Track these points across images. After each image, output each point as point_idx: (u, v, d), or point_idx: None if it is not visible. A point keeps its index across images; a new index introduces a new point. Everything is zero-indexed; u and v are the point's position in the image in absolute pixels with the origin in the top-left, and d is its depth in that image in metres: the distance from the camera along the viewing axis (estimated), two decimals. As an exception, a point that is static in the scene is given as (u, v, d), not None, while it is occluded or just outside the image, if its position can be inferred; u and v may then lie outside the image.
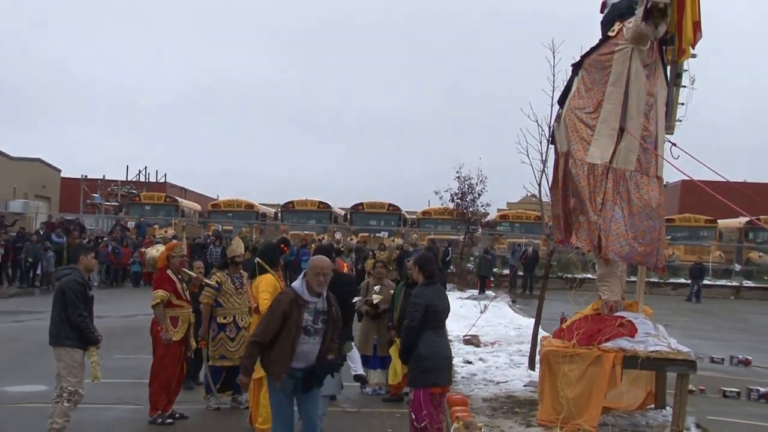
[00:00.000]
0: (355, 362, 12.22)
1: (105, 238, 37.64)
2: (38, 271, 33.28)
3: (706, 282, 39.86)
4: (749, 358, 18.38)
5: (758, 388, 14.05)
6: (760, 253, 46.06)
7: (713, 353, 18.51)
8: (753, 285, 42.49)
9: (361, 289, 13.36)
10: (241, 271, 12.02)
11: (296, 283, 8.03)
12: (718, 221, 47.38)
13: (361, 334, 13.23)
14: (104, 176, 70.83)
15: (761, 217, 38.97)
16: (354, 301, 11.69)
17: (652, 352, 10.03)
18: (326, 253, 11.09)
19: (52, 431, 9.35)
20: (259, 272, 10.41)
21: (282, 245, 11.82)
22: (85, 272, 9.91)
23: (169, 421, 10.92)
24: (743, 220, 43.79)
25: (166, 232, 43.48)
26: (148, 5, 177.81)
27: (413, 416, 8.52)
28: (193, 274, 12.10)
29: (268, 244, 12.90)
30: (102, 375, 9.83)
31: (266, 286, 10.04)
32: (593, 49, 10.98)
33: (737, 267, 44.49)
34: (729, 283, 42.67)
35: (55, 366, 9.69)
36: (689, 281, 38.90)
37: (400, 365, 11.40)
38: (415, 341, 8.48)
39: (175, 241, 13.78)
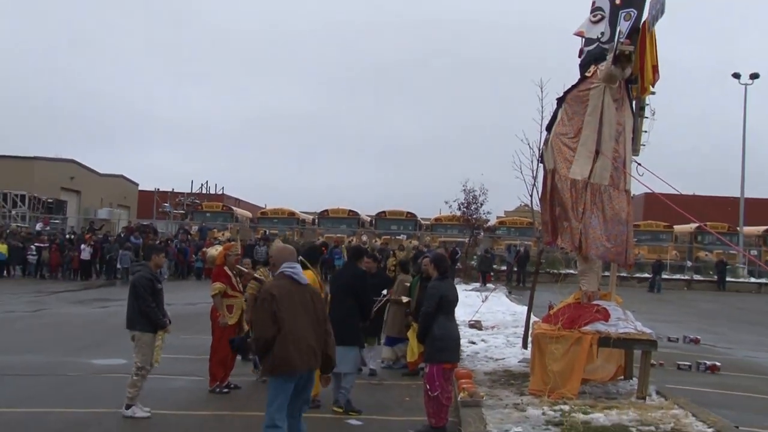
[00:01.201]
0: (368, 359, 12.14)
1: (173, 240, 37.72)
2: (119, 266, 33.48)
3: (664, 276, 39.59)
4: (698, 337, 18.58)
5: (705, 362, 14.24)
6: (707, 253, 45.91)
7: (670, 334, 18.56)
8: (701, 278, 42.42)
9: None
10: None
11: None
12: (674, 227, 47.22)
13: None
14: (173, 189, 71.47)
15: (708, 223, 38.92)
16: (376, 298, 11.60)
17: (622, 333, 10.10)
18: (359, 253, 11.01)
19: (127, 399, 9.32)
20: (302, 268, 10.32)
21: (323, 247, 11.73)
22: (154, 269, 9.83)
23: (226, 390, 10.86)
24: (694, 225, 43.65)
25: (223, 235, 43.51)
26: (213, 50, 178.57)
27: (427, 387, 8.47)
28: (246, 270, 12.06)
29: (312, 245, 12.70)
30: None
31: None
32: (573, 87, 11.09)
33: (689, 264, 44.42)
34: (682, 277, 42.51)
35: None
36: (651, 275, 38.67)
37: (417, 345, 11.30)
38: (430, 325, 8.44)
39: (230, 243, 13.72)
